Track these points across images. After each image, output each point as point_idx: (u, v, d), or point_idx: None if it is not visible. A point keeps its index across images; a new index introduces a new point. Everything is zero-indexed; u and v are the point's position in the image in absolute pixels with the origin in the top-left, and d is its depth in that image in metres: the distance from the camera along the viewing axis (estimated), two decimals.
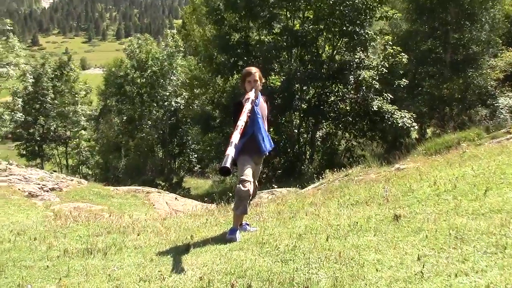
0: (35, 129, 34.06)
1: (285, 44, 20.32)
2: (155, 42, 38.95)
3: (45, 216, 8.80)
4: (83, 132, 30.56)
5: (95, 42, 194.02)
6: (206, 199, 12.88)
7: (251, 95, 5.35)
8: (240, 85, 5.72)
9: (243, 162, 5.47)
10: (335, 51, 21.06)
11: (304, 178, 17.90)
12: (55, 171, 15.38)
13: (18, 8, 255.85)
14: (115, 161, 31.31)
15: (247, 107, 5.17)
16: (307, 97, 20.81)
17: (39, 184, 11.45)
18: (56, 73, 37.03)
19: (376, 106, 19.09)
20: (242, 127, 4.92)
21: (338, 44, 21.12)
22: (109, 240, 5.76)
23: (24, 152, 37.77)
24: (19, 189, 10.74)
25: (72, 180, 13.38)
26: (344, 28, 19.94)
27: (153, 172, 33.79)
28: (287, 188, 14.15)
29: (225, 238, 5.27)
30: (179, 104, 33.79)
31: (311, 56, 20.53)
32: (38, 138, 34.81)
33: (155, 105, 36.01)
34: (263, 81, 5.74)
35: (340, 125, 20.99)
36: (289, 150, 21.01)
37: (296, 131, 21.34)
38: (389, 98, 20.00)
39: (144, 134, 33.95)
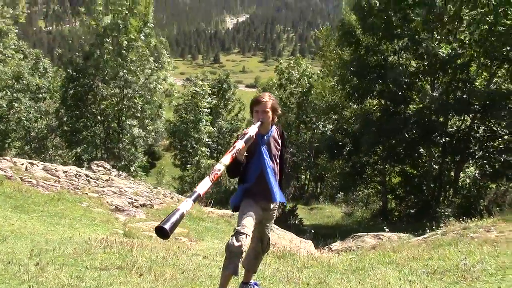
0: (188, 141, 35.63)
1: (427, 68, 18.16)
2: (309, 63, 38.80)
3: (114, 233, 8.57)
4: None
5: (270, 62, 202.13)
6: (306, 228, 11.82)
7: (250, 130, 4.19)
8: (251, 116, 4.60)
9: (243, 208, 4.33)
10: (491, 79, 18.21)
11: (436, 222, 15.74)
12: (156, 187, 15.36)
13: (206, 28, 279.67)
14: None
15: (237, 145, 4.01)
16: (450, 131, 18.27)
17: (131, 199, 11.37)
18: (214, 89, 38.88)
19: None
20: (219, 174, 3.79)
21: (496, 72, 18.28)
22: (104, 278, 5.08)
23: (179, 163, 40.25)
24: (107, 202, 10.72)
25: (172, 197, 13.21)
26: (505, 53, 17.22)
27: (294, 195, 33.27)
28: (398, 234, 12.42)
29: None
30: (326, 129, 32.89)
31: (460, 84, 17.99)
32: (190, 150, 36.26)
33: (303, 126, 35.68)
34: (279, 113, 4.53)
35: (488, 166, 17.97)
36: (424, 188, 18.65)
37: (437, 167, 18.88)
38: None
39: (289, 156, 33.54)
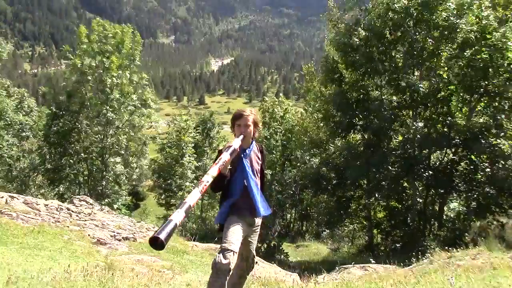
0: (173, 180, 35.25)
1: (409, 101, 18.45)
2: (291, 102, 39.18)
3: (95, 266, 8.38)
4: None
5: (255, 103, 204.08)
6: (291, 263, 11.66)
7: (234, 143, 4.20)
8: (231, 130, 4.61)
9: (228, 224, 4.26)
10: (471, 114, 18.51)
11: (422, 254, 15.70)
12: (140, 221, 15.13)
13: (191, 70, 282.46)
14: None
15: (223, 158, 4.01)
16: (432, 164, 18.42)
17: (113, 232, 11.15)
18: (198, 128, 39.00)
19: None
20: (207, 185, 3.76)
21: (476, 106, 18.61)
22: None
23: (163, 202, 39.80)
24: (88, 235, 10.50)
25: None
26: (484, 86, 17.59)
27: (280, 233, 32.97)
28: (384, 265, 12.37)
29: None
30: (312, 163, 32.82)
31: (440, 118, 18.24)
32: (175, 189, 35.70)
33: (288, 164, 35.65)
34: (260, 127, 4.57)
35: (471, 199, 18.06)
36: (409, 222, 18.62)
37: (421, 201, 18.92)
38: None
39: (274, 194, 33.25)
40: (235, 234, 4.14)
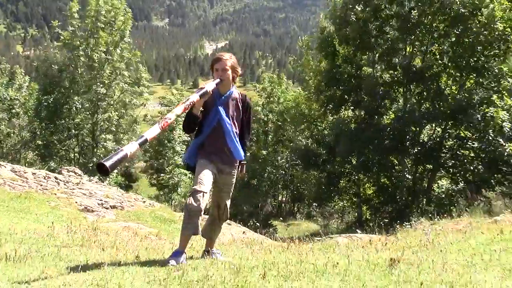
0: (164, 159, 35.34)
1: (401, 78, 18.45)
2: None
3: (79, 225, 8.44)
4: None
5: (249, 87, 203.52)
6: (280, 237, 11.79)
7: (207, 86, 4.22)
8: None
9: (199, 167, 4.27)
10: (461, 90, 18.57)
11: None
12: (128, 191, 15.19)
13: (185, 54, 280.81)
14: None
15: (191, 98, 4.04)
16: (421, 140, 18.50)
17: (101, 200, 11.17)
18: None
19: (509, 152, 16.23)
20: (169, 122, 3.77)
21: (465, 82, 18.67)
22: (63, 252, 4.97)
23: (155, 182, 39.83)
24: (76, 203, 10.52)
25: (144, 202, 13.02)
26: (472, 63, 17.64)
27: (272, 212, 33.23)
28: (370, 235, 12.52)
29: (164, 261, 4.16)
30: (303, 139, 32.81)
31: (431, 94, 18.27)
32: (168, 169, 35.70)
33: (281, 145, 35.65)
34: (239, 73, 4.57)
35: (459, 175, 18.19)
36: (398, 198, 18.75)
37: (411, 177, 19.04)
38: None
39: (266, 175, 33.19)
40: (205, 176, 4.16)
